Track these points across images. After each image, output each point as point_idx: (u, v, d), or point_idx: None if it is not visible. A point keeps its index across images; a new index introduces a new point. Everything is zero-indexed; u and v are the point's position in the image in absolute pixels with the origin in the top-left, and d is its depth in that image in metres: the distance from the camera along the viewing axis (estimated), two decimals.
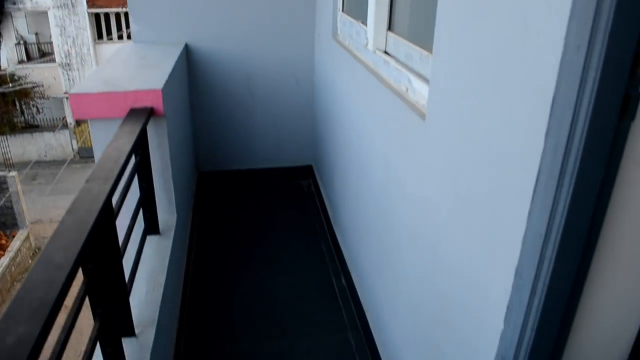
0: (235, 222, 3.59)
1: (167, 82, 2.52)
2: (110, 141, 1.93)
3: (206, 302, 2.83)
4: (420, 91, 1.85)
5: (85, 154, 19.15)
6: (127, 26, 19.86)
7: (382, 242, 2.26)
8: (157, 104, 2.37)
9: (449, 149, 1.48)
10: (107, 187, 1.52)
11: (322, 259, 3.21)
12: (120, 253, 1.66)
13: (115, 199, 1.66)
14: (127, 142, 1.91)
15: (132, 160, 2.14)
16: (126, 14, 19.73)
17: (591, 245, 1.00)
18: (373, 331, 2.45)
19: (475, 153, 1.30)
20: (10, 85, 18.86)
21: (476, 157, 1.30)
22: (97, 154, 2.36)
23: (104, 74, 2.74)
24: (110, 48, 19.97)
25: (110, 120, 2.33)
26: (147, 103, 2.35)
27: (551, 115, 0.96)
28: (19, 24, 20.07)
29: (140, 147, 2.23)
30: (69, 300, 1.12)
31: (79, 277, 1.33)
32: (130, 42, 3.59)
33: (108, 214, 1.54)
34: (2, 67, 19.37)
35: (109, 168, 1.64)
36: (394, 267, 2.09)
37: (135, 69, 2.96)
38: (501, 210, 1.17)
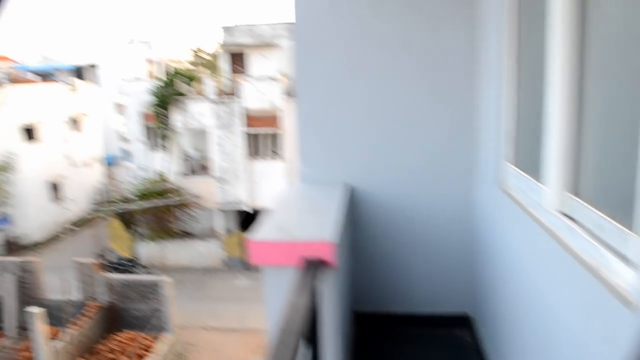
0: None
1: (338, 232, 2.61)
2: (284, 299, 1.99)
3: None
4: (619, 272, 1.67)
5: (230, 264, 20.40)
6: (276, 145, 21.69)
7: None
8: (329, 256, 2.44)
9: None
10: None
11: None
12: None
13: None
14: (300, 304, 1.95)
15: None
16: (273, 135, 21.65)
17: None
18: None
19: None
20: (176, 198, 21.28)
21: None
22: (267, 301, 2.46)
23: (277, 219, 2.92)
24: (261, 165, 21.80)
25: (282, 268, 2.44)
26: (319, 254, 2.43)
27: None
28: (182, 140, 22.88)
29: (312, 305, 2.27)
30: None
31: None
32: (298, 181, 3.90)
33: None
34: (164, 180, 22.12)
35: (287, 342, 1.67)
36: None
37: (306, 215, 3.14)
38: None
